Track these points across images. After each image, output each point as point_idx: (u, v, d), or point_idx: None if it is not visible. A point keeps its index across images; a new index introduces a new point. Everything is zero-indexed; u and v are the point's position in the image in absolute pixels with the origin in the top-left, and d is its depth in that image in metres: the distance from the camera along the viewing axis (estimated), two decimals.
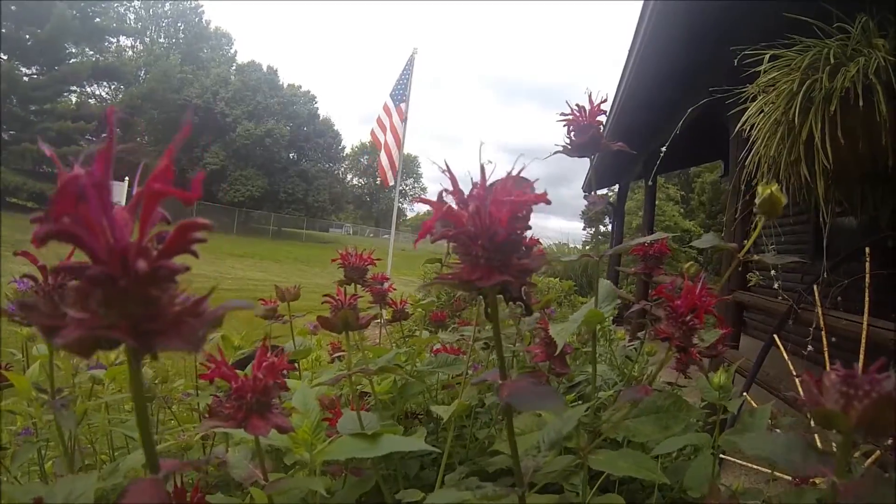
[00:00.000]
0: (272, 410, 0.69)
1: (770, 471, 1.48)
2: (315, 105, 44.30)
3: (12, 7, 27.17)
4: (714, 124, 4.30)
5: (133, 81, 34.81)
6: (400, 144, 10.34)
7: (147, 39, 42.05)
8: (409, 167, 63.71)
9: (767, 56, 2.83)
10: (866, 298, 2.40)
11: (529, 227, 0.52)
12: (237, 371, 0.71)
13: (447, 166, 0.53)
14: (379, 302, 1.77)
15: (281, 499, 0.87)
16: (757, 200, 0.90)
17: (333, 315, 1.01)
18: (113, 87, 36.64)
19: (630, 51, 5.07)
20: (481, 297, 0.50)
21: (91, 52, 33.24)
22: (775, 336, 2.84)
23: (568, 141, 1.08)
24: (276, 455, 1.13)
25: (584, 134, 1.06)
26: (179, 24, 43.76)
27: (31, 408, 1.02)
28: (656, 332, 0.81)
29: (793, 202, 2.91)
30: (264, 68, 42.27)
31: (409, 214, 66.35)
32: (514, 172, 0.50)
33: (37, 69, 30.00)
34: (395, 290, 1.91)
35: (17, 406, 1.05)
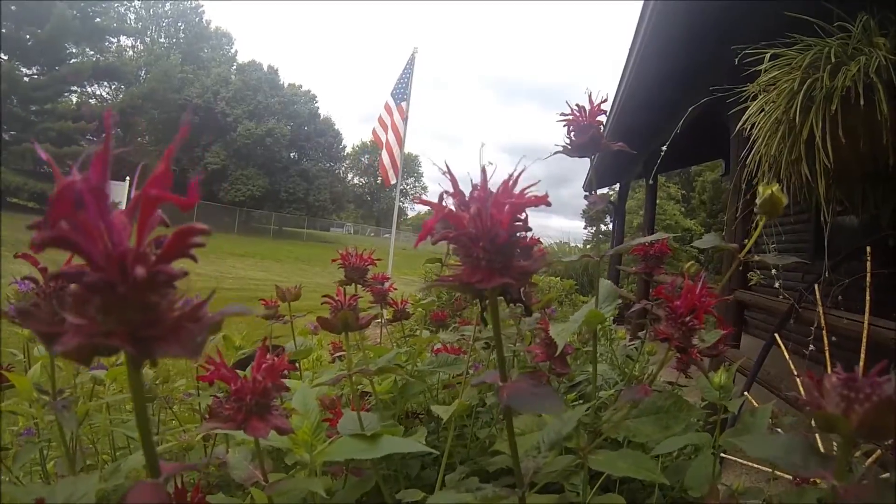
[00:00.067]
0: (272, 412, 0.69)
1: (771, 470, 1.48)
2: (316, 104, 44.34)
3: (12, 7, 27.17)
4: (715, 123, 4.30)
5: (133, 81, 34.80)
6: (401, 143, 10.35)
7: (147, 39, 42.07)
8: (410, 166, 63.70)
9: (768, 55, 2.83)
10: (867, 298, 2.39)
11: (530, 229, 0.52)
12: (237, 371, 0.71)
13: (448, 168, 0.53)
14: (380, 302, 1.77)
15: (281, 499, 0.87)
16: (758, 201, 0.90)
17: (333, 316, 1.01)
18: (113, 86, 36.66)
19: (630, 51, 5.06)
20: (479, 299, 0.50)
21: (91, 52, 33.24)
22: (776, 335, 2.84)
23: (568, 141, 1.08)
24: (276, 455, 1.13)
25: (584, 134, 1.06)
26: (180, 24, 43.77)
27: (33, 409, 1.02)
28: (656, 333, 0.81)
29: (794, 201, 2.91)
30: (265, 68, 42.27)
31: (410, 214, 66.36)
32: (515, 174, 0.50)
33: (37, 69, 30.01)
34: (395, 289, 1.91)
35: (18, 407, 1.05)
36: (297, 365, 1.85)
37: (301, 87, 44.04)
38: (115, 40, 36.98)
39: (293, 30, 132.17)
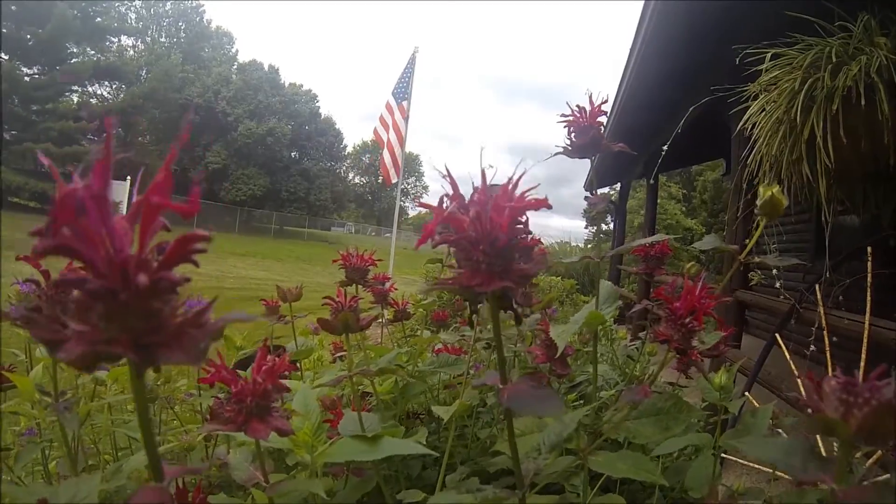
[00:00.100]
0: (272, 413, 0.69)
1: (772, 470, 1.48)
2: (316, 104, 44.33)
3: (13, 7, 27.19)
4: (715, 123, 4.29)
5: (134, 81, 34.81)
6: (402, 142, 10.37)
7: (148, 39, 42.11)
8: (411, 166, 63.70)
9: (769, 55, 2.83)
10: (868, 298, 2.39)
11: (530, 232, 0.52)
12: (238, 371, 0.72)
13: (448, 171, 0.53)
14: (380, 302, 1.77)
15: (282, 500, 0.87)
16: (758, 202, 0.90)
17: (334, 317, 1.01)
18: (114, 86, 36.68)
19: (631, 51, 5.06)
20: (470, 303, 0.50)
21: (92, 52, 33.26)
22: (777, 335, 2.84)
23: (568, 142, 1.08)
24: (278, 454, 1.14)
25: (584, 135, 1.06)
26: (180, 24, 43.80)
27: (35, 410, 1.02)
28: (655, 335, 0.81)
29: (795, 201, 2.91)
30: (266, 67, 42.28)
31: (411, 213, 66.33)
32: (515, 178, 0.50)
33: (38, 69, 30.03)
34: (396, 290, 1.91)
35: (20, 408, 1.05)
36: (297, 365, 1.86)
37: (302, 86, 44.07)
38: (115, 40, 37.06)
39: (294, 29, 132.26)
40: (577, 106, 1.07)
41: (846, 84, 2.46)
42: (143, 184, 0.32)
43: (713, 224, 24.28)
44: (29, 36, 28.42)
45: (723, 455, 1.33)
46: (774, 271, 3.09)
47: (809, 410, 0.45)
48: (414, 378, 1.55)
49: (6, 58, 27.90)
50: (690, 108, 3.80)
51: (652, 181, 7.57)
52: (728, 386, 1.16)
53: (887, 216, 3.04)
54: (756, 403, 2.24)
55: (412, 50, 10.78)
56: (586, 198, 1.19)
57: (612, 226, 10.50)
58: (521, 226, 0.51)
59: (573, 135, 1.07)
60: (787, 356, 2.51)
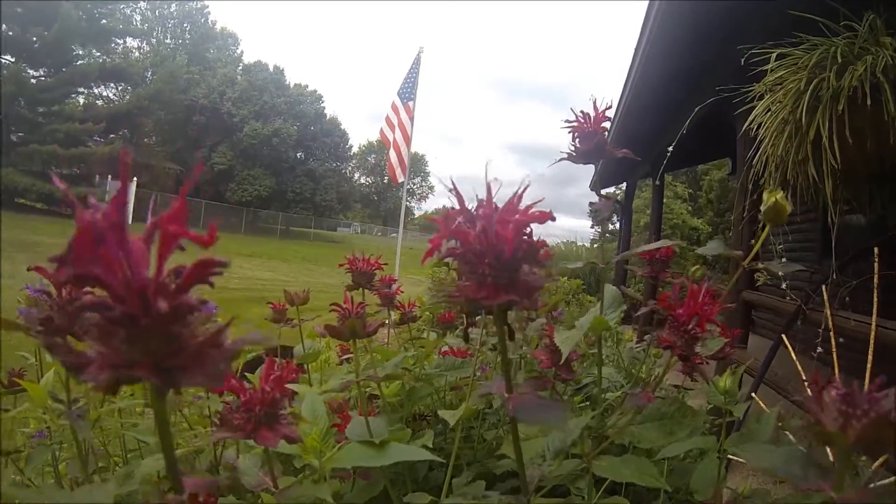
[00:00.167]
0: (281, 421, 0.70)
1: None
2: (322, 104, 44.38)
3: (18, 9, 27.32)
4: (721, 123, 4.28)
5: (140, 82, 34.95)
6: (409, 142, 10.39)
7: (153, 40, 42.27)
8: (417, 166, 63.77)
9: (774, 55, 2.82)
10: (875, 299, 2.39)
11: (535, 245, 0.53)
12: (246, 374, 0.73)
13: (454, 185, 0.54)
14: (387, 305, 1.78)
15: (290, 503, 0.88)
16: (762, 208, 0.90)
17: (341, 324, 1.02)
18: (120, 88, 36.84)
19: (635, 51, 5.05)
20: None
21: (98, 54, 33.37)
22: (783, 336, 2.83)
23: (573, 148, 1.08)
24: (286, 456, 1.15)
25: (589, 141, 1.06)
26: (185, 25, 43.95)
27: (46, 416, 1.04)
28: (658, 341, 0.82)
29: (801, 201, 2.90)
30: (271, 68, 42.36)
31: (417, 213, 66.40)
32: (520, 191, 0.51)
33: (44, 71, 30.17)
34: (402, 292, 1.92)
35: (32, 413, 1.06)
36: (304, 367, 1.87)
37: (307, 86, 44.16)
38: (121, 41, 37.17)
39: (299, 30, 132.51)
40: (582, 112, 1.08)
41: (852, 84, 2.46)
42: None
43: (719, 223, 24.19)
44: (35, 38, 28.55)
45: (729, 456, 1.33)
46: (780, 272, 3.08)
47: (811, 420, 0.46)
48: (421, 381, 1.56)
49: (13, 60, 28.04)
50: (696, 109, 3.79)
51: (657, 181, 7.56)
52: (733, 389, 1.16)
53: (893, 216, 3.03)
54: (763, 404, 2.25)
55: (417, 50, 10.80)
56: (591, 203, 1.20)
57: (618, 225, 10.49)
58: (526, 237, 0.51)
59: (577, 140, 1.08)
60: (794, 357, 2.51)
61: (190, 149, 38.44)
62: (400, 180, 10.52)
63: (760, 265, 1.00)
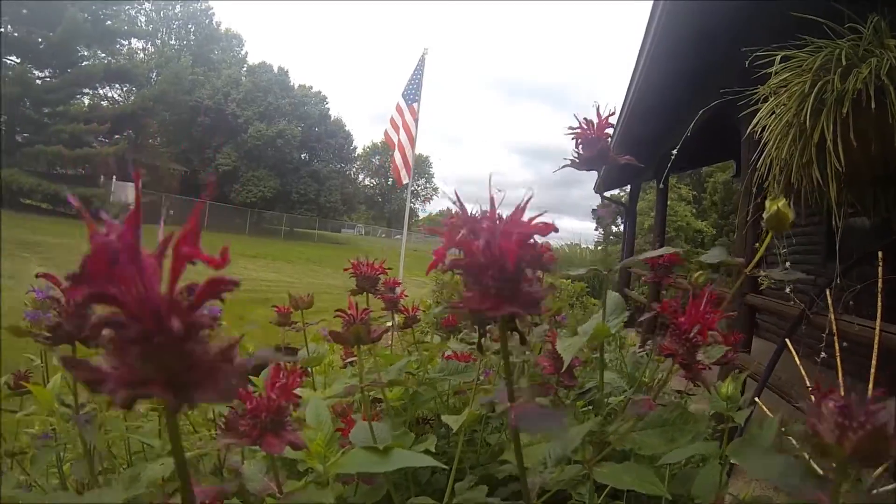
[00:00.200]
0: (286, 428, 0.71)
1: None
2: (326, 105, 44.40)
3: (24, 11, 27.45)
4: (725, 125, 4.28)
5: (145, 83, 35.03)
6: (413, 143, 10.40)
7: (158, 41, 42.34)
8: (421, 167, 63.78)
9: (779, 57, 2.82)
10: (879, 303, 2.38)
11: (539, 252, 0.53)
12: (252, 380, 0.74)
13: (458, 197, 0.54)
14: (391, 309, 1.79)
15: None
16: (765, 215, 0.91)
17: (345, 330, 1.03)
18: (125, 89, 36.94)
19: (640, 52, 5.05)
20: (478, 326, 0.52)
21: (103, 55, 33.47)
22: (787, 341, 2.83)
23: (576, 155, 1.09)
24: (289, 460, 1.16)
25: (592, 147, 1.07)
26: (190, 26, 44.05)
27: (52, 418, 1.05)
28: (660, 349, 0.83)
29: (805, 205, 2.90)
30: (275, 69, 42.39)
31: (421, 214, 66.38)
32: (523, 203, 0.52)
33: (49, 72, 30.29)
34: (406, 296, 1.92)
35: (39, 417, 1.07)
36: (309, 370, 1.88)
37: (311, 88, 44.16)
38: (126, 43, 37.26)
39: (303, 31, 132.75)
40: (585, 119, 1.08)
41: (856, 87, 2.45)
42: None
43: (724, 226, 24.16)
44: (40, 39, 28.67)
45: (731, 462, 1.33)
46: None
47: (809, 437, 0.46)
48: (424, 385, 1.56)
49: (18, 61, 28.16)
50: (700, 111, 3.79)
51: (662, 185, 7.55)
52: (735, 395, 1.16)
53: None
54: (766, 409, 2.25)
55: (421, 51, 10.82)
56: (594, 210, 1.21)
57: (622, 227, 10.48)
58: (530, 248, 0.52)
59: (581, 147, 1.09)
60: (798, 361, 2.51)
61: (194, 150, 38.56)
62: (404, 182, 10.53)
63: (763, 272, 1.01)
